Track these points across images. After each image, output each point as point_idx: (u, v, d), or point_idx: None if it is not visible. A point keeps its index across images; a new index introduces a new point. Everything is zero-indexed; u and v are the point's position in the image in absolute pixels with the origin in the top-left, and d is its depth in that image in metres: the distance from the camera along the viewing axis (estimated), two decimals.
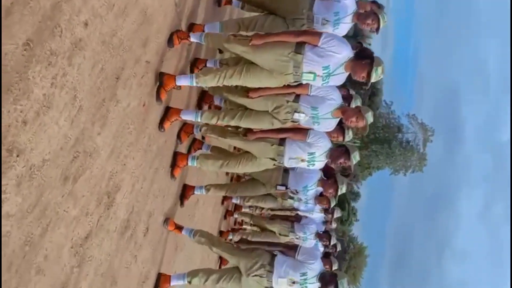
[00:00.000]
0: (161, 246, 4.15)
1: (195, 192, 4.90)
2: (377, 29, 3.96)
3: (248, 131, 4.16)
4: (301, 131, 4.14)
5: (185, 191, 4.72)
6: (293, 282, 3.97)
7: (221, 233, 6.60)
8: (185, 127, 4.34)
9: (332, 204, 6.58)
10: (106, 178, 2.82)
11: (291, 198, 5.82)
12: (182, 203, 4.67)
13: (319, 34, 3.36)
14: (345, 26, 3.95)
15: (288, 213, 7.04)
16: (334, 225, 7.58)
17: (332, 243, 6.34)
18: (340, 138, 4.62)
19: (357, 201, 49.20)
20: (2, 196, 1.89)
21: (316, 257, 4.16)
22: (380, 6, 4.11)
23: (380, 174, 49.76)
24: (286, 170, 4.86)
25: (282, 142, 4.14)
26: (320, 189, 6.45)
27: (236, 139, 4.26)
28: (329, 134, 4.42)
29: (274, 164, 4.28)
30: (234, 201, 6.76)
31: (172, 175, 4.26)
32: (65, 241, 2.44)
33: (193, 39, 3.74)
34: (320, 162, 4.27)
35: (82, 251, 2.62)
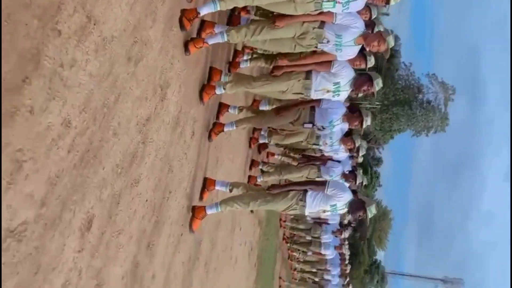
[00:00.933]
0: (205, 154, 4.53)
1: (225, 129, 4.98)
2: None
3: (275, 68, 4.32)
4: (325, 63, 4.25)
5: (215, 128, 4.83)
6: (324, 211, 4.32)
7: (249, 178, 6.83)
8: (207, 88, 4.31)
9: (357, 144, 6.80)
10: (158, 71, 3.18)
11: (317, 140, 6.07)
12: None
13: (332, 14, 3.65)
14: None
15: (313, 153, 7.34)
16: (360, 159, 7.87)
17: (358, 181, 6.59)
18: (363, 65, 4.69)
19: (379, 167, 49.00)
20: (85, 57, 2.26)
21: (345, 189, 4.36)
22: None
23: (402, 137, 49.34)
24: (312, 108, 4.99)
25: (308, 75, 4.27)
26: (345, 127, 6.71)
27: (264, 83, 4.37)
28: (351, 61, 4.54)
29: (300, 98, 4.50)
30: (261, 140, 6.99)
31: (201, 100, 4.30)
32: (132, 116, 2.83)
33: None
34: (344, 91, 4.42)
35: (145, 130, 3.02)
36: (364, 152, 8.22)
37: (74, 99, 2.20)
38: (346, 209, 4.28)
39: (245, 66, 5.14)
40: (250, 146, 6.67)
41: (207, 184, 4.38)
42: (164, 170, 3.44)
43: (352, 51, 4.09)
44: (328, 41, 3.91)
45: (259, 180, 6.92)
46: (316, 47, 3.99)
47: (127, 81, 2.73)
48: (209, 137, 4.61)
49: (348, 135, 6.03)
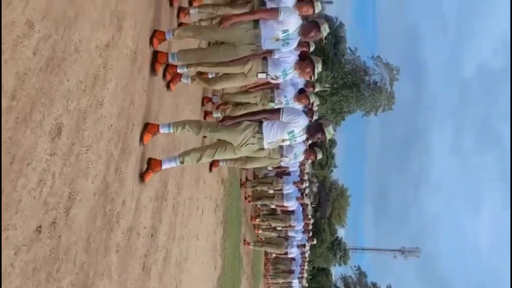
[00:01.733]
0: (163, 98, 4.62)
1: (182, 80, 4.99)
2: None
3: (222, 19, 4.29)
4: (272, 10, 4.37)
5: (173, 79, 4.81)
6: (283, 141, 4.24)
7: (205, 113, 6.66)
8: (157, 34, 4.29)
9: (311, 100, 7.00)
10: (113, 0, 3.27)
11: (271, 100, 6.25)
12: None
13: (277, 10, 4.13)
14: None
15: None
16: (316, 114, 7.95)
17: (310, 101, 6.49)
18: (310, 11, 4.80)
19: (334, 148, 50.24)
20: None
21: (300, 113, 4.38)
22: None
23: (353, 117, 50.83)
24: (264, 58, 4.95)
25: (256, 25, 4.31)
26: (298, 81, 6.92)
27: (212, 32, 4.53)
28: (299, 8, 4.66)
29: (252, 50, 4.47)
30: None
31: (153, 71, 4.24)
32: (91, 38, 2.93)
33: None
34: (294, 39, 4.50)
35: (105, 56, 3.13)
36: (317, 108, 8.38)
37: (35, 3, 2.27)
38: (304, 135, 4.31)
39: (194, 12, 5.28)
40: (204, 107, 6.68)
41: (152, 166, 3.99)
42: (126, 101, 3.54)
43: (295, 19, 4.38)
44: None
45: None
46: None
47: (85, 1, 2.81)
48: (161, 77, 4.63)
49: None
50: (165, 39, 4.34)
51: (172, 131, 4.14)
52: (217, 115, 6.48)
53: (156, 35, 4.21)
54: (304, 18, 4.86)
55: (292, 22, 4.34)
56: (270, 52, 4.83)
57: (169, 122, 4.19)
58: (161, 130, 4.09)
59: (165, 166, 4.14)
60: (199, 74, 5.36)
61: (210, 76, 5.67)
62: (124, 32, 3.48)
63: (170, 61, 4.44)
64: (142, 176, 3.86)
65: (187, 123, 4.18)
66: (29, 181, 2.25)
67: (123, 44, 3.47)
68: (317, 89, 6.48)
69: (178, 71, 4.76)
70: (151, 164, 3.98)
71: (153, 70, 4.19)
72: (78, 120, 2.76)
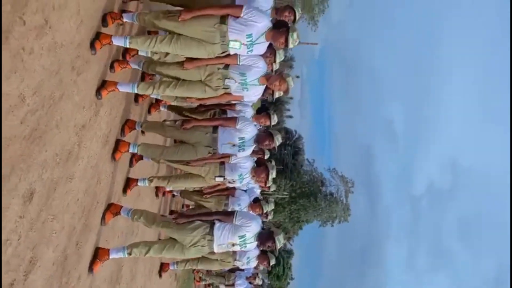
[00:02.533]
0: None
1: (139, 184, 5.07)
2: (294, 20, 4.29)
3: (184, 122, 4.56)
4: (231, 119, 4.61)
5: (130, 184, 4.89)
6: (233, 245, 4.09)
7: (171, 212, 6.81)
8: (129, 123, 4.54)
9: (265, 210, 6.84)
10: (95, 89, 3.66)
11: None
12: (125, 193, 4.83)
13: (241, 7, 3.65)
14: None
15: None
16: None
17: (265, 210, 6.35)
18: (267, 123, 5.22)
19: (291, 259, 49.63)
20: (41, 51, 2.73)
21: (253, 218, 4.30)
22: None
23: (310, 228, 51.28)
24: (222, 163, 5.13)
25: (215, 130, 4.54)
26: (256, 190, 7.24)
27: (175, 131, 4.68)
28: (257, 119, 5.10)
29: (209, 152, 4.60)
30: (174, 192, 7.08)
31: (113, 158, 4.28)
32: (71, 117, 3.25)
33: (125, 19, 3.80)
34: (249, 147, 4.69)
35: (81, 135, 3.42)
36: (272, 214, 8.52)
37: (29, 81, 2.62)
38: (255, 242, 4.18)
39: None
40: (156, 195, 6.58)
41: (99, 255, 3.89)
42: (94, 179, 3.75)
43: (257, 91, 4.40)
44: (234, 81, 4.14)
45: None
46: (224, 87, 4.17)
47: (70, 85, 3.18)
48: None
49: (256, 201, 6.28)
50: (135, 129, 4.70)
51: (129, 217, 4.18)
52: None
53: (128, 123, 4.56)
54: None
55: (248, 131, 4.60)
56: (228, 156, 5.01)
57: (130, 208, 4.25)
58: (122, 213, 4.20)
59: (112, 256, 4.01)
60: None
61: None
62: (100, 116, 3.82)
63: (131, 150, 4.51)
64: (90, 266, 3.75)
65: (143, 214, 4.20)
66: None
67: (97, 127, 3.79)
68: (268, 208, 6.49)
69: (139, 183, 5.03)
70: (99, 253, 3.87)
71: (113, 157, 4.29)
72: (49, 190, 2.95)
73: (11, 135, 2.47)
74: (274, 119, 5.23)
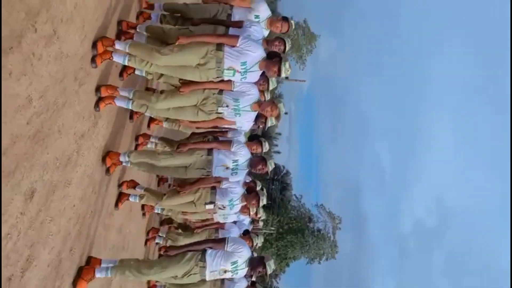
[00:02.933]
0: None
1: (130, 199, 5.17)
2: (284, 50, 4.40)
3: (180, 145, 4.65)
4: (226, 142, 4.71)
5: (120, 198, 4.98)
6: (225, 271, 4.11)
7: (146, 240, 6.61)
8: (111, 155, 4.37)
9: (255, 242, 6.35)
10: (94, 101, 3.83)
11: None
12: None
13: (237, 37, 3.87)
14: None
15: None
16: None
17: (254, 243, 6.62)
18: (259, 150, 5.22)
19: None
20: (48, 58, 2.91)
21: (244, 244, 4.31)
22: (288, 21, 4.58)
23: (297, 265, 50.62)
24: (213, 188, 5.18)
25: (210, 152, 4.63)
26: (245, 223, 7.27)
27: (168, 156, 4.65)
28: (249, 146, 5.03)
29: (202, 174, 4.70)
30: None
31: (107, 172, 4.38)
32: (72, 125, 3.39)
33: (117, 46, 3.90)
34: (242, 170, 4.77)
35: (80, 143, 3.55)
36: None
37: (37, 85, 2.79)
38: (246, 268, 4.19)
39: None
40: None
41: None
42: (89, 188, 3.85)
43: (250, 117, 4.54)
44: (227, 106, 4.29)
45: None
46: (217, 112, 4.31)
47: (72, 94, 3.35)
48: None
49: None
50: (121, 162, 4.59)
51: (110, 275, 3.97)
52: (159, 240, 6.60)
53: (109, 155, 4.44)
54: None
55: (242, 154, 4.71)
56: (219, 182, 5.11)
57: (107, 267, 4.00)
58: (97, 275, 3.90)
59: (98, 275, 3.89)
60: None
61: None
62: (97, 128, 3.97)
63: (121, 159, 4.48)
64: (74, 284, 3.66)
65: (126, 268, 4.02)
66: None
67: (95, 138, 3.93)
68: (258, 241, 6.52)
69: (130, 199, 5.12)
70: (83, 272, 3.75)
71: (107, 171, 4.38)
72: (49, 191, 3.06)
73: (18, 133, 2.60)
74: (266, 147, 5.30)
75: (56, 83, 3.06)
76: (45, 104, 2.91)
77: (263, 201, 5.31)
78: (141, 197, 5.34)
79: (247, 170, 4.90)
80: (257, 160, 4.85)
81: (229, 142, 4.73)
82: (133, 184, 5.17)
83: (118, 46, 3.92)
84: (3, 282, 2.52)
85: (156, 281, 5.81)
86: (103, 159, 4.29)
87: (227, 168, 4.69)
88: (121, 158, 4.48)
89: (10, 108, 2.50)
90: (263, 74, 4.32)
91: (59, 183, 3.22)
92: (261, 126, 4.89)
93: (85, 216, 3.80)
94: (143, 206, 6.25)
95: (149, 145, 5.86)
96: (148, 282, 6.40)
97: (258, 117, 4.68)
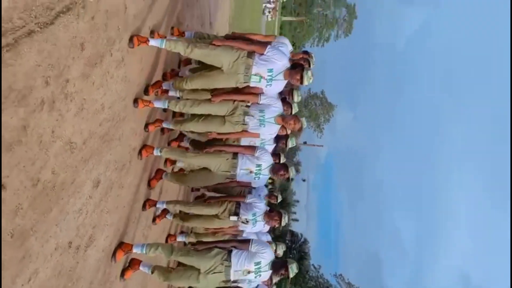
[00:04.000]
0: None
1: (157, 205, 5.31)
2: (308, 65, 4.85)
3: (207, 146, 4.88)
4: (250, 147, 4.88)
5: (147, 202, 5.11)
6: (248, 272, 4.30)
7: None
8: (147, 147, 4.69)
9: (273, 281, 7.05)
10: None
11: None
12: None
13: (266, 46, 4.25)
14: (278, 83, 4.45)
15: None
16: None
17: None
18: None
19: None
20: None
21: (267, 246, 4.55)
22: (309, 55, 4.96)
23: None
24: (237, 202, 5.30)
25: (234, 156, 4.76)
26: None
27: (197, 156, 4.91)
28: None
29: (227, 177, 4.82)
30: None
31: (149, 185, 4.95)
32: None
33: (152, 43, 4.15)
34: (265, 176, 4.90)
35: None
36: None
37: (109, 97, 3.52)
38: (269, 271, 4.37)
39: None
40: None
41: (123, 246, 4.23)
42: (135, 195, 4.45)
43: (273, 130, 4.78)
44: (252, 117, 4.54)
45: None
46: (243, 123, 4.56)
47: (131, 113, 4.06)
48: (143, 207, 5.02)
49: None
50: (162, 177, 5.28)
51: (144, 252, 4.39)
52: (181, 239, 6.63)
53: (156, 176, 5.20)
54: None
55: (266, 160, 4.85)
56: (243, 197, 5.33)
57: (143, 244, 4.46)
58: (135, 249, 4.34)
59: (135, 250, 4.30)
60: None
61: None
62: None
63: (154, 152, 4.75)
64: (123, 273, 4.27)
65: (160, 246, 4.45)
66: (74, 205, 3.07)
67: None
68: (281, 250, 6.68)
69: (157, 205, 5.30)
70: (133, 262, 4.43)
71: (149, 184, 5.01)
72: (108, 187, 3.69)
73: (93, 131, 3.28)
74: (285, 220, 5.29)
75: (120, 100, 3.80)
76: (112, 114, 3.62)
77: (285, 219, 5.33)
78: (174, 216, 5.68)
79: (269, 175, 5.03)
80: (279, 166, 4.98)
81: (253, 148, 4.90)
82: (165, 213, 5.63)
83: (152, 42, 4.17)
84: (72, 248, 3.07)
85: None
86: (139, 152, 4.59)
87: (251, 172, 4.82)
88: (155, 152, 4.78)
89: (91, 109, 3.20)
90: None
91: (115, 183, 3.85)
92: (282, 146, 5.33)
93: (130, 219, 4.37)
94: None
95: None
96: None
97: (279, 138, 5.13)
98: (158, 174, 5.20)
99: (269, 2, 31.16)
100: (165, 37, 4.35)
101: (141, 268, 4.50)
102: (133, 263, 4.46)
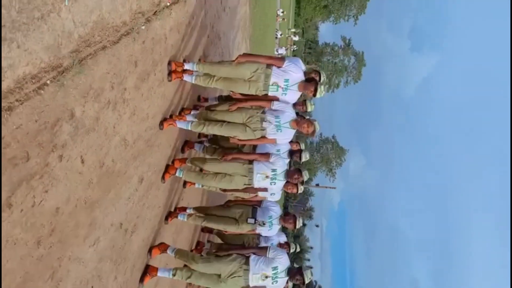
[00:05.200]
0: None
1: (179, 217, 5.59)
2: (319, 79, 4.92)
3: (224, 154, 5.13)
4: (265, 154, 5.16)
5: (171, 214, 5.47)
6: (266, 277, 4.56)
7: (198, 243, 7.07)
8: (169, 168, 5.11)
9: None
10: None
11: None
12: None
13: (283, 60, 4.71)
14: (293, 93, 4.84)
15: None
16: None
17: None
18: (300, 178, 5.32)
19: None
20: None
21: (284, 252, 4.81)
22: (319, 72, 5.04)
23: None
24: (253, 206, 5.55)
25: (251, 162, 5.09)
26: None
27: (215, 163, 5.18)
28: (290, 175, 5.23)
29: (244, 184, 5.09)
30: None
31: (163, 179, 5.00)
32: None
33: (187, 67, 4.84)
34: (280, 181, 5.15)
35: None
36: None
37: (152, 108, 4.21)
38: (285, 277, 4.63)
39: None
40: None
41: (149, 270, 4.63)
42: (168, 200, 5.05)
43: (289, 134, 5.03)
44: (269, 122, 4.85)
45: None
46: (261, 129, 4.88)
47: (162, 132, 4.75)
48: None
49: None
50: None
51: (172, 254, 4.88)
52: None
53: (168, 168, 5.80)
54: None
55: (280, 165, 5.14)
56: (260, 201, 5.59)
57: (174, 248, 4.93)
58: (168, 251, 4.90)
59: (160, 274, 4.69)
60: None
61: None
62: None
63: (177, 174, 5.19)
64: (141, 278, 4.49)
65: (184, 253, 4.85)
66: (125, 192, 3.69)
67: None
68: (296, 249, 6.93)
69: (179, 217, 5.53)
70: (150, 269, 4.62)
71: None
72: (149, 186, 4.32)
73: (140, 134, 3.96)
74: (300, 223, 5.50)
75: (160, 113, 4.49)
76: (154, 124, 4.31)
77: (300, 223, 5.56)
78: (189, 215, 5.70)
79: (285, 181, 5.26)
80: (292, 171, 5.22)
81: (267, 154, 5.16)
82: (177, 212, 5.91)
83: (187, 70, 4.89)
84: (122, 229, 3.67)
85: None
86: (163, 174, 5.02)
87: (267, 177, 5.07)
88: (177, 173, 5.19)
89: (140, 116, 3.90)
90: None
91: (154, 184, 4.48)
92: (296, 159, 5.69)
93: (161, 219, 4.95)
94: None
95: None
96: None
97: (293, 153, 5.59)
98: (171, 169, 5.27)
99: (280, 48, 32.56)
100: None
101: (159, 272, 4.72)
102: (151, 270, 4.65)
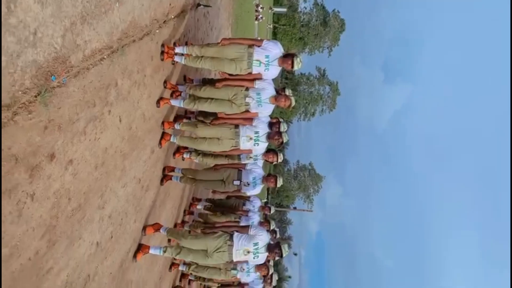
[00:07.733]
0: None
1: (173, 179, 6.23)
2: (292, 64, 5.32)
3: (214, 119, 5.73)
4: (249, 120, 5.71)
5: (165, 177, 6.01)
6: (248, 252, 5.10)
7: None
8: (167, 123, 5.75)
9: (270, 271, 6.73)
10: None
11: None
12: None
13: (262, 41, 5.29)
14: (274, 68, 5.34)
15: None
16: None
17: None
18: (275, 160, 6.27)
19: None
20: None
21: (264, 230, 5.44)
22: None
23: None
24: (239, 170, 6.18)
25: (237, 127, 5.69)
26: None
27: (205, 127, 5.77)
28: (266, 156, 6.23)
29: (232, 146, 5.70)
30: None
31: (160, 144, 5.59)
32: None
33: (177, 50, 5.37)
34: (262, 142, 5.78)
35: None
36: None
37: (158, 114, 5.32)
38: (265, 252, 5.21)
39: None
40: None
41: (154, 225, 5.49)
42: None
43: (269, 109, 5.62)
44: (252, 98, 5.43)
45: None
46: (245, 104, 5.44)
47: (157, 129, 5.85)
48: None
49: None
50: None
51: (164, 233, 5.53)
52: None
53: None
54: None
55: (261, 128, 5.75)
56: (244, 164, 6.27)
57: (166, 227, 5.56)
58: (161, 231, 5.52)
59: (151, 251, 5.26)
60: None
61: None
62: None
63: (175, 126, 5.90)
64: (135, 256, 5.04)
65: (175, 231, 5.55)
66: (140, 159, 4.75)
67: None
68: (274, 226, 7.77)
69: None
70: (142, 247, 5.15)
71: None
72: (156, 160, 5.35)
73: (153, 114, 5.04)
74: (281, 157, 6.29)
75: (159, 116, 5.59)
76: (163, 108, 5.39)
77: (280, 182, 6.35)
78: (181, 178, 6.38)
79: (267, 143, 5.91)
80: (273, 133, 5.85)
81: (250, 119, 5.74)
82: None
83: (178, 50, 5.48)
84: (140, 184, 4.69)
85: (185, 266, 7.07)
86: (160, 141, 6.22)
87: (251, 138, 5.74)
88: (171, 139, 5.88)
89: (153, 99, 4.98)
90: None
91: (160, 159, 5.51)
92: (277, 142, 5.93)
93: (157, 199, 5.97)
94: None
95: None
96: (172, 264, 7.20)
97: (273, 134, 5.85)
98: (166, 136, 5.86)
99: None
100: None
101: (151, 250, 5.27)
102: (143, 248, 5.20)
